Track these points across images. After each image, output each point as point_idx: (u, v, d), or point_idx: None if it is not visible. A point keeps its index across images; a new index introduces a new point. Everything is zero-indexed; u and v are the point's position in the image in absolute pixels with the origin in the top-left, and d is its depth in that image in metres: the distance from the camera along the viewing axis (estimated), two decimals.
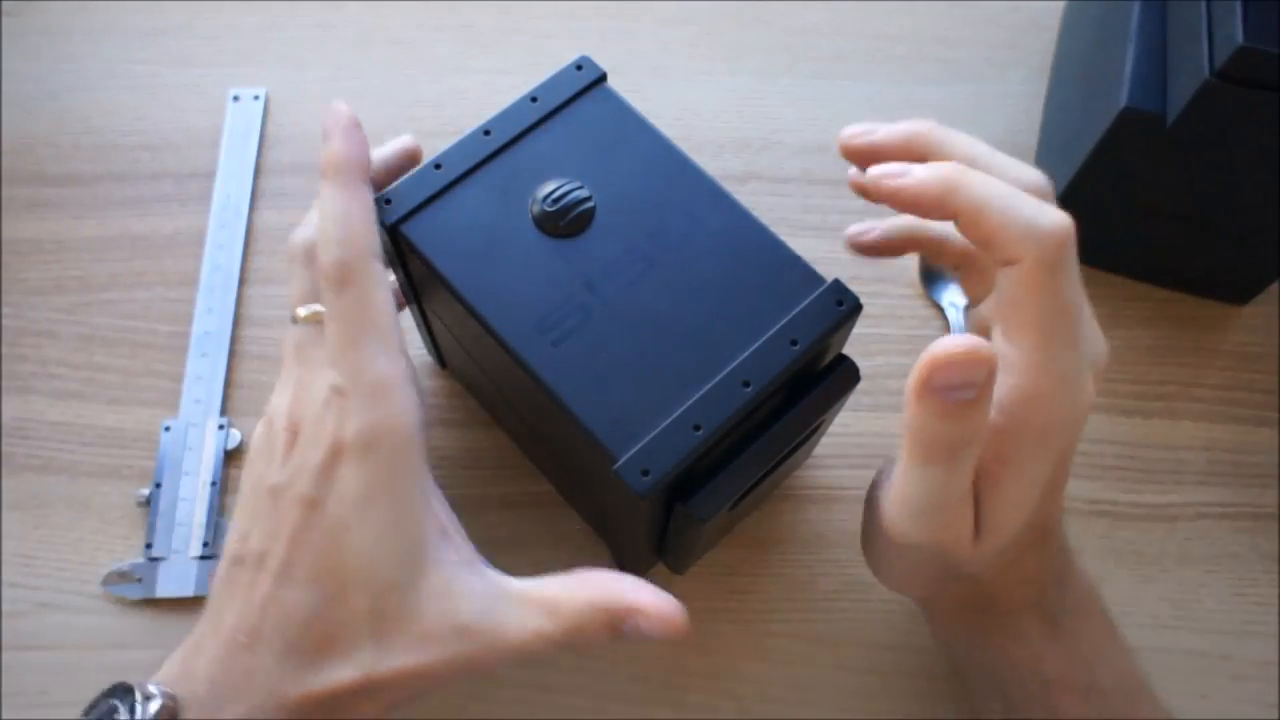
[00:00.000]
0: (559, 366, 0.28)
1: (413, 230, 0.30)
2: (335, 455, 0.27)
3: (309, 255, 0.30)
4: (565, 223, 0.30)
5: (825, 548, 0.38)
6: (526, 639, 0.27)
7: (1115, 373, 0.42)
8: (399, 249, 0.31)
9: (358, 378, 0.28)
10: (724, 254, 0.30)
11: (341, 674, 0.27)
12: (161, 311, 0.43)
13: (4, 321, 0.43)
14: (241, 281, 0.44)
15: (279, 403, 0.30)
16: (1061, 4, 0.51)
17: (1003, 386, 0.25)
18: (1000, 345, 0.26)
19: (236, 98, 0.48)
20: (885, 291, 0.44)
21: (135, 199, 0.46)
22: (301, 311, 0.30)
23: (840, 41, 0.50)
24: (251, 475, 0.29)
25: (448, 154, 0.31)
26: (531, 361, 0.28)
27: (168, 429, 0.40)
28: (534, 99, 0.32)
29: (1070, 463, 0.29)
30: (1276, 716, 0.36)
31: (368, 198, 0.29)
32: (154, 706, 0.26)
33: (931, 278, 0.44)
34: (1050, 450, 0.26)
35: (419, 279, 0.32)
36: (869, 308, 0.33)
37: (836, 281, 0.29)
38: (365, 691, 0.27)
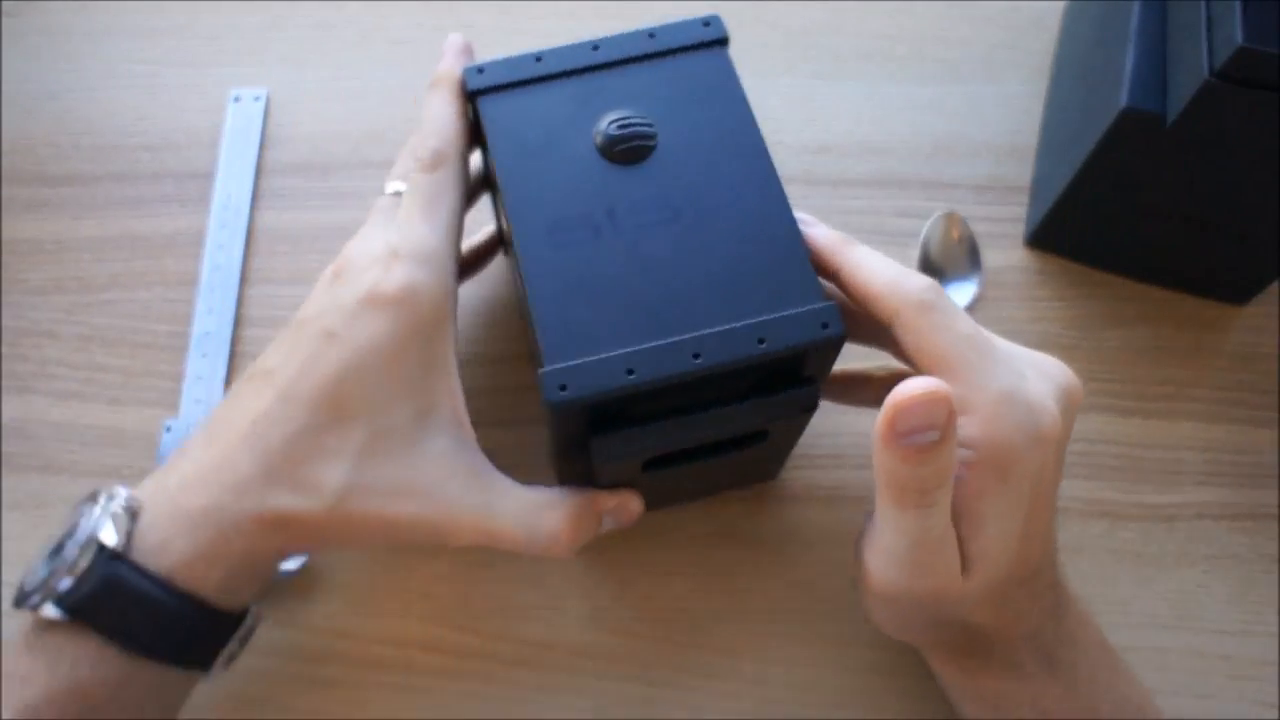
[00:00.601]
0: (545, 267, 0.29)
1: (486, 105, 0.32)
2: (370, 301, 0.29)
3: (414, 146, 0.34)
4: (619, 150, 0.31)
5: (826, 548, 0.38)
6: (510, 528, 0.30)
7: (1115, 373, 0.42)
8: (476, 120, 0.33)
9: (415, 243, 0.30)
10: (746, 236, 0.30)
11: (305, 502, 0.28)
12: (161, 311, 0.43)
13: (4, 321, 0.43)
14: (242, 281, 0.44)
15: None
16: (1061, 4, 0.51)
17: (964, 425, 0.26)
18: None
19: (237, 98, 0.48)
20: None
21: (135, 199, 0.46)
22: (389, 187, 0.33)
23: (840, 41, 0.50)
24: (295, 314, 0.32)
25: (551, 52, 0.33)
26: (526, 253, 0.29)
27: (168, 429, 0.40)
28: (651, 35, 0.33)
29: (1053, 495, 0.29)
30: (1276, 717, 0.36)
31: (464, 109, 0.33)
32: (118, 504, 0.28)
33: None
34: (1016, 478, 0.26)
35: (489, 163, 0.33)
36: None
37: (833, 306, 0.28)
38: (316, 529, 0.28)
